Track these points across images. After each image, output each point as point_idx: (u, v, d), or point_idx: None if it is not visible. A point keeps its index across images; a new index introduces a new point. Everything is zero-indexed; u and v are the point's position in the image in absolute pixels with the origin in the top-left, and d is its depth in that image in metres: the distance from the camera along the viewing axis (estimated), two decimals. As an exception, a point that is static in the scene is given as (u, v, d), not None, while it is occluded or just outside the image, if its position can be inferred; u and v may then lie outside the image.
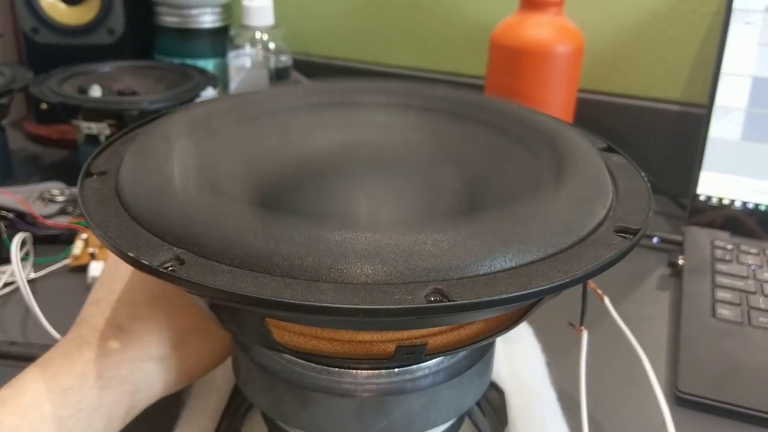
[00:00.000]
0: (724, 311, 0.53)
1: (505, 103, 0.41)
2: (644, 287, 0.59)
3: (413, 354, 0.28)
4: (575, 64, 0.67)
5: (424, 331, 0.28)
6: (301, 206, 0.33)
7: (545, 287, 0.24)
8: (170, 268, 0.24)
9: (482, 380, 0.35)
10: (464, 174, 0.35)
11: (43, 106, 0.82)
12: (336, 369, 0.32)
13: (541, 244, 0.26)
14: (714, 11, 0.69)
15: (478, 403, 0.42)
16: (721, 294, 0.55)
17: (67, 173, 0.72)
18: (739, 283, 0.56)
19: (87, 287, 0.55)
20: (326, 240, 0.25)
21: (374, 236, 0.25)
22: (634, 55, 0.74)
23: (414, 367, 0.32)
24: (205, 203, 0.27)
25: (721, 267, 0.59)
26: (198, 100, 0.71)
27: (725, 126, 0.65)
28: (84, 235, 0.59)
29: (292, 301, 0.23)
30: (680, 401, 0.46)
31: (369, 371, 0.32)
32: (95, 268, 0.55)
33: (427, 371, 0.32)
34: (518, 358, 0.46)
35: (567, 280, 0.25)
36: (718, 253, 0.61)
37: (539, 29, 0.66)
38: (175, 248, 0.26)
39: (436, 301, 0.23)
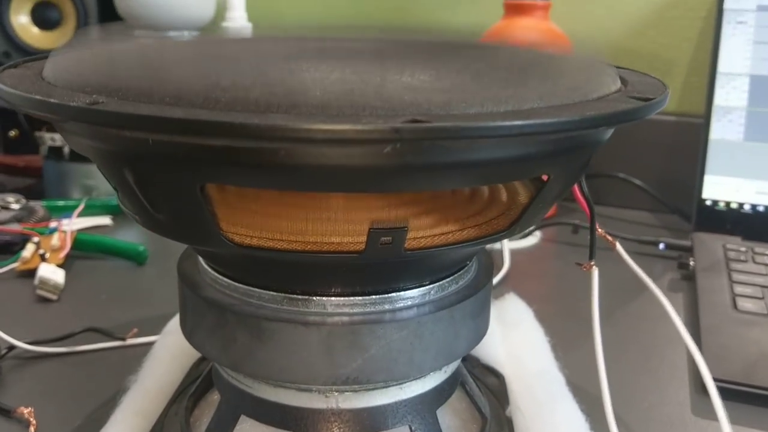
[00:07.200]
0: (746, 304, 0.48)
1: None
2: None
3: (391, 245, 0.23)
4: (565, 70, 0.64)
5: (402, 211, 0.23)
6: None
7: (548, 121, 0.19)
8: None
9: (477, 324, 0.29)
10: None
11: (12, 133, 0.78)
12: (299, 296, 0.26)
13: (543, 92, 0.22)
14: (704, 16, 0.67)
15: (477, 385, 0.36)
16: (740, 289, 0.50)
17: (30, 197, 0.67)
18: (759, 280, 0.51)
19: (33, 288, 0.49)
20: (278, 69, 0.20)
21: (338, 65, 0.20)
22: (624, 66, 0.71)
23: (393, 295, 0.27)
24: (133, 51, 0.23)
25: (737, 266, 0.54)
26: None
27: (726, 126, 0.62)
28: (36, 239, 0.54)
29: (231, 121, 0.18)
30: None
31: (339, 298, 0.26)
32: (44, 269, 0.49)
33: (409, 302, 0.27)
34: (517, 342, 0.40)
35: (576, 118, 0.20)
36: (732, 254, 0.56)
37: (526, 33, 0.63)
38: (96, 95, 0.21)
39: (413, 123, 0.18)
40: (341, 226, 0.23)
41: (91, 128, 0.21)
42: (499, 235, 0.25)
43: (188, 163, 0.20)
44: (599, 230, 0.33)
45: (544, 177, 0.29)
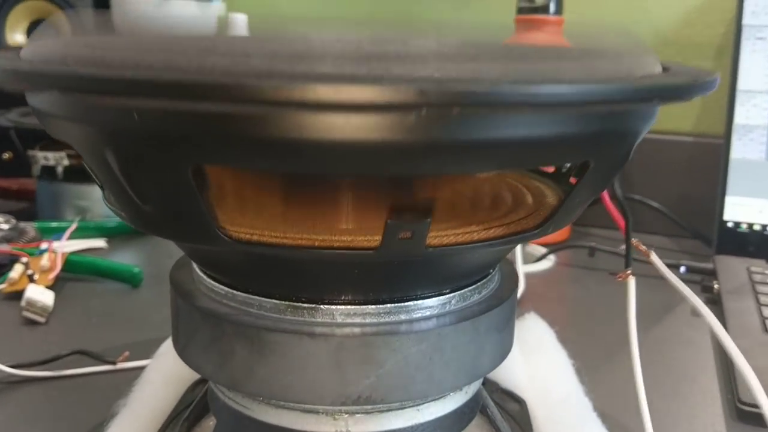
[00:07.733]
0: (779, 327, 0.45)
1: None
2: (678, 314, 0.51)
3: (410, 240, 0.20)
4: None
5: (423, 203, 0.20)
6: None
7: (596, 87, 0.17)
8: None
9: (502, 338, 0.26)
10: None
11: (5, 156, 0.76)
12: (305, 304, 0.23)
13: (583, 66, 0.19)
14: (722, 33, 0.65)
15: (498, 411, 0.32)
16: (771, 312, 0.47)
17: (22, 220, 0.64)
18: (790, 303, 0.48)
19: (20, 310, 0.46)
20: (283, 37, 0.18)
21: (353, 32, 0.18)
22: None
23: (410, 304, 0.24)
24: (119, 31, 0.20)
25: (764, 289, 0.51)
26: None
27: (747, 145, 0.59)
28: (24, 259, 0.51)
29: (226, 82, 0.15)
30: (743, 415, 0.36)
31: (350, 307, 0.23)
32: (32, 290, 0.47)
33: (428, 312, 0.24)
34: (539, 365, 0.37)
35: (628, 87, 0.17)
36: (757, 277, 0.53)
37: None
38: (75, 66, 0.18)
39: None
40: (353, 219, 0.20)
41: (70, 102, 0.18)
42: (530, 234, 0.22)
43: (178, 140, 0.18)
44: (633, 240, 0.31)
45: (573, 180, 0.27)
